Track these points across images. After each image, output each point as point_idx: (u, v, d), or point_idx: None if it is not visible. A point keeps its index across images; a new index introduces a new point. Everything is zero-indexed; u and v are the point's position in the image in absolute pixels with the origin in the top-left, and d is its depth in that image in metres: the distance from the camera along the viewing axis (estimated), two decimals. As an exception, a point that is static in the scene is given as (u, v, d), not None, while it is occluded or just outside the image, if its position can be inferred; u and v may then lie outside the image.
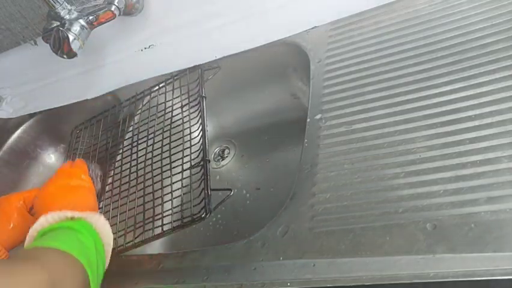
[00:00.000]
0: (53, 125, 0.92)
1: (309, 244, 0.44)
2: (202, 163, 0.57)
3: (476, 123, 0.45)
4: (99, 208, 0.63)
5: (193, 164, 0.60)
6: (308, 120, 0.56)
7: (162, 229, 0.56)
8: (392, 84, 0.53)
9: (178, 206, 0.58)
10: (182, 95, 0.71)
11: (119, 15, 0.72)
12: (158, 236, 0.55)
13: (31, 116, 0.92)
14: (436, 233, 0.39)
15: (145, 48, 0.84)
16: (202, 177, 0.55)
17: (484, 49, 0.51)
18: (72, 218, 0.49)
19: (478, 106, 0.46)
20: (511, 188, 0.39)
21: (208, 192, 0.53)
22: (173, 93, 0.72)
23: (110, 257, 0.51)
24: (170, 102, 0.71)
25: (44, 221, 0.49)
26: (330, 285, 0.40)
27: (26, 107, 0.94)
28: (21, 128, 0.91)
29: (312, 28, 0.68)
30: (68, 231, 0.47)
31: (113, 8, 0.71)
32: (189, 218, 0.53)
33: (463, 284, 0.36)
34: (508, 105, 0.44)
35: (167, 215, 0.58)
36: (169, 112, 0.69)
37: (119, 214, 0.63)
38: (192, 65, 0.73)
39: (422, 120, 0.48)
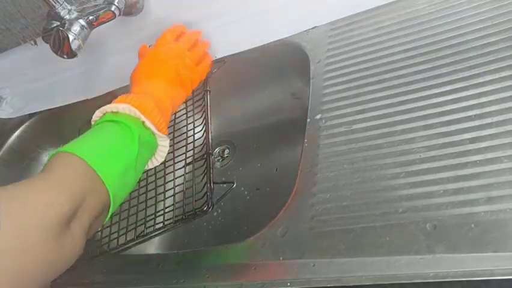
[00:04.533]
0: (53, 125, 0.92)
1: (309, 244, 0.44)
2: (205, 156, 0.57)
3: (476, 123, 0.45)
4: None
5: (196, 157, 0.60)
6: (308, 120, 0.56)
7: (164, 223, 0.55)
8: (392, 84, 0.53)
9: (180, 201, 0.58)
10: None
11: (119, 15, 0.72)
12: (160, 230, 0.55)
13: (31, 116, 0.92)
14: (436, 233, 0.39)
15: (145, 48, 0.84)
16: (205, 171, 0.56)
17: (484, 49, 0.51)
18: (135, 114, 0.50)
19: (478, 106, 0.46)
20: (511, 188, 0.39)
21: (211, 186, 0.53)
22: None
23: (110, 258, 0.50)
24: None
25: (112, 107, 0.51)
26: (330, 285, 0.40)
27: (26, 107, 0.94)
28: (21, 128, 0.91)
29: (312, 28, 0.68)
30: (114, 129, 0.48)
31: (113, 8, 0.71)
32: (191, 212, 0.53)
33: (463, 284, 0.36)
34: (508, 105, 0.44)
35: (169, 210, 0.58)
36: None
37: (121, 212, 0.63)
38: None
39: (422, 120, 0.48)
